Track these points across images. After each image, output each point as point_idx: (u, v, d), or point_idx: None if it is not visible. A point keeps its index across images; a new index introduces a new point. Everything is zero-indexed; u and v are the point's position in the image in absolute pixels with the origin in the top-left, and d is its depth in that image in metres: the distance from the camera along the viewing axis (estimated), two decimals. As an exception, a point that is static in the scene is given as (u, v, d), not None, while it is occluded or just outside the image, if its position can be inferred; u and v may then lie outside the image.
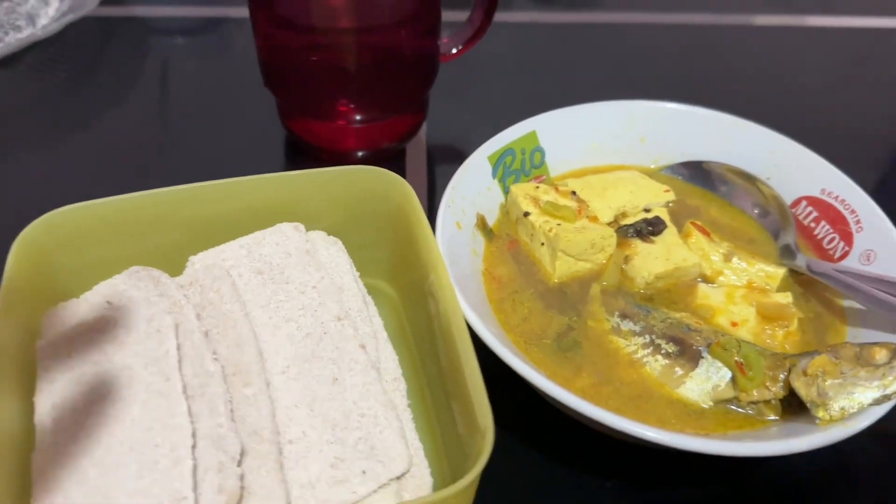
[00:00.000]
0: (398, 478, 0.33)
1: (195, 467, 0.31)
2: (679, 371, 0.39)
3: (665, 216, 0.46)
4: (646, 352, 0.40)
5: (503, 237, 0.47)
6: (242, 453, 0.32)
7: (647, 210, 0.47)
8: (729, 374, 0.38)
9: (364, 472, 0.33)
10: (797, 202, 0.47)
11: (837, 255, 0.45)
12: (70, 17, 0.63)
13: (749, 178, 0.48)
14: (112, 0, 0.69)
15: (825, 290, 0.43)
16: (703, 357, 0.39)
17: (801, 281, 0.44)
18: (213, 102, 0.64)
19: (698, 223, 0.46)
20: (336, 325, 0.38)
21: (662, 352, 0.40)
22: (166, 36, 0.73)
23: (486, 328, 0.37)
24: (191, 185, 0.41)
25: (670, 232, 0.45)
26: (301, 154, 0.59)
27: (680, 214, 0.48)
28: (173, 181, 0.41)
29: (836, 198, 0.45)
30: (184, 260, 0.41)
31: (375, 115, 0.56)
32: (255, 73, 0.56)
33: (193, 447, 0.32)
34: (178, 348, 0.35)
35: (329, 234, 0.44)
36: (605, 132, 0.50)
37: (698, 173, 0.50)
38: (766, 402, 0.38)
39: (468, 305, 0.38)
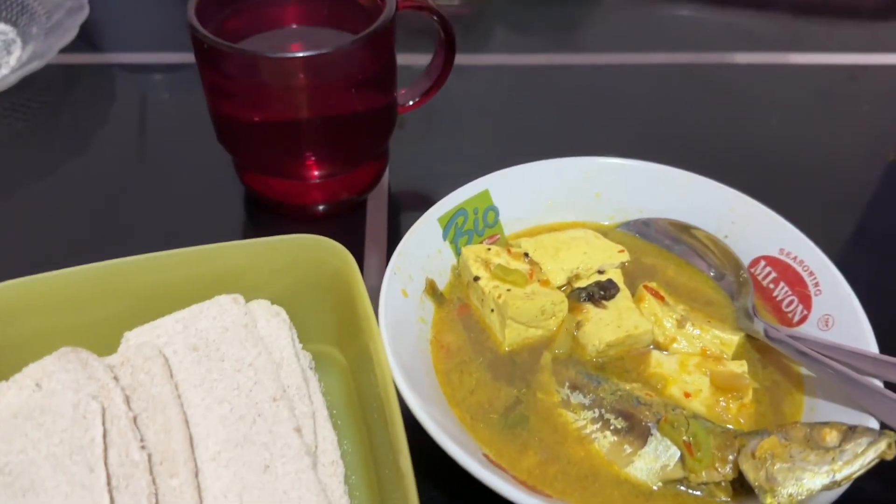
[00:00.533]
0: None
1: None
2: (628, 449, 0.38)
3: (619, 278, 0.45)
4: (594, 427, 0.39)
5: (454, 301, 0.45)
6: None
7: (600, 272, 0.46)
8: (678, 454, 0.37)
9: None
10: (756, 261, 0.46)
11: (796, 318, 0.43)
12: (31, 67, 0.62)
13: (705, 237, 0.47)
14: (72, 48, 0.67)
15: (783, 356, 0.42)
16: (651, 434, 0.38)
17: (758, 346, 0.43)
18: (172, 154, 0.63)
19: (652, 286, 0.45)
20: (271, 406, 0.37)
21: (611, 427, 0.39)
22: (128, 84, 0.72)
23: (421, 408, 0.35)
24: (129, 258, 0.40)
25: (623, 296, 0.44)
26: (261, 208, 0.58)
27: (635, 275, 0.46)
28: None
29: (795, 258, 0.44)
30: (120, 334, 0.40)
31: (334, 170, 0.55)
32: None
33: None
34: (105, 435, 0.35)
35: (273, 303, 0.42)
36: (559, 189, 0.49)
37: (654, 231, 0.48)
38: (716, 483, 0.37)
39: (404, 380, 0.36)
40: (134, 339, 0.40)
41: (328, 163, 0.54)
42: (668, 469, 0.37)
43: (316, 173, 0.54)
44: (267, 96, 0.50)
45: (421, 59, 0.60)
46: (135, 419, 0.36)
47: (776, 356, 0.42)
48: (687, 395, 0.40)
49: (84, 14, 0.68)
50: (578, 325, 0.43)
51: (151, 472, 0.34)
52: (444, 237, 0.46)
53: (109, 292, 0.41)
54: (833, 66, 0.75)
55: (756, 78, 0.74)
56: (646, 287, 0.44)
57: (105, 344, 0.40)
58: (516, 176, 0.48)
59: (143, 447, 0.35)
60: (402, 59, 0.54)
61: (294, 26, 0.56)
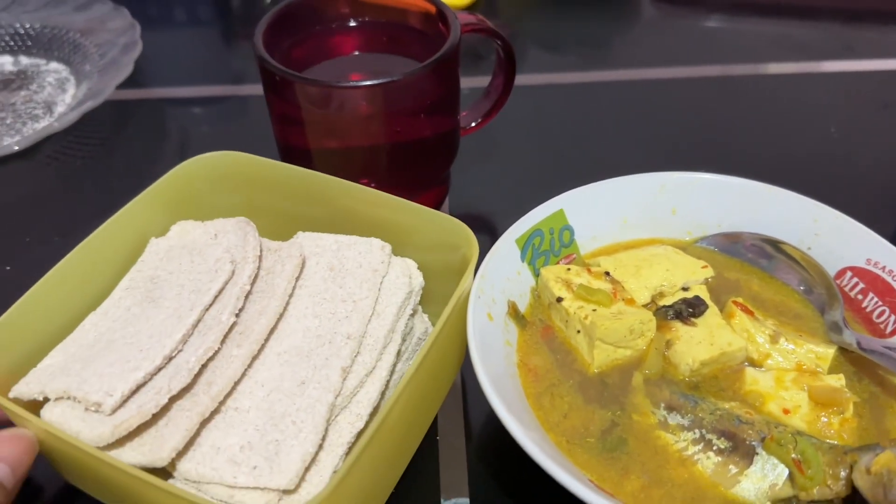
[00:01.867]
0: (285, 491, 0.35)
1: (143, 380, 0.36)
2: (733, 469, 0.37)
3: (705, 294, 0.45)
4: (696, 448, 0.38)
5: (536, 323, 0.45)
6: (183, 393, 0.37)
7: (685, 289, 0.45)
8: (786, 472, 0.36)
9: (255, 467, 0.35)
10: (841, 273, 0.45)
11: (889, 329, 0.42)
12: (88, 106, 0.62)
13: (789, 250, 0.46)
14: (129, 84, 0.68)
15: (879, 368, 0.41)
16: (757, 453, 0.37)
17: (852, 359, 0.42)
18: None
19: (740, 301, 0.44)
20: (342, 340, 0.40)
21: (714, 448, 0.38)
22: (183, 117, 0.73)
23: (526, 435, 0.35)
24: (342, 180, 0.46)
25: (712, 312, 0.43)
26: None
27: (720, 291, 0.46)
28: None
29: (883, 268, 0.43)
30: (299, 229, 0.47)
31: (401, 195, 0.55)
32: (273, 151, 0.55)
33: (158, 367, 0.37)
34: (219, 292, 0.41)
35: (419, 268, 0.46)
36: (634, 206, 0.49)
37: (735, 245, 0.48)
38: (828, 501, 0.36)
39: (503, 406, 0.36)
40: (302, 238, 0.46)
41: (395, 189, 0.54)
42: (777, 488, 0.36)
43: (381, 199, 0.54)
44: (335, 124, 0.50)
45: (468, 82, 0.61)
46: (249, 293, 0.41)
47: (871, 368, 0.41)
48: (786, 411, 0.39)
49: (138, 50, 0.69)
50: (668, 345, 0.42)
51: (226, 336, 0.39)
52: (522, 259, 0.46)
53: (308, 195, 0.47)
54: (888, 72, 0.74)
55: (808, 88, 0.73)
56: (735, 303, 0.44)
57: (287, 231, 0.47)
58: (590, 194, 0.48)
59: (236, 315, 0.40)
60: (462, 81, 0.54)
61: (356, 53, 0.56)
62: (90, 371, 0.37)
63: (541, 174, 0.64)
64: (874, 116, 0.68)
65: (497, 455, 0.45)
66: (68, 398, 0.37)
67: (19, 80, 0.73)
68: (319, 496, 0.32)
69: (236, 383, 0.39)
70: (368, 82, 0.47)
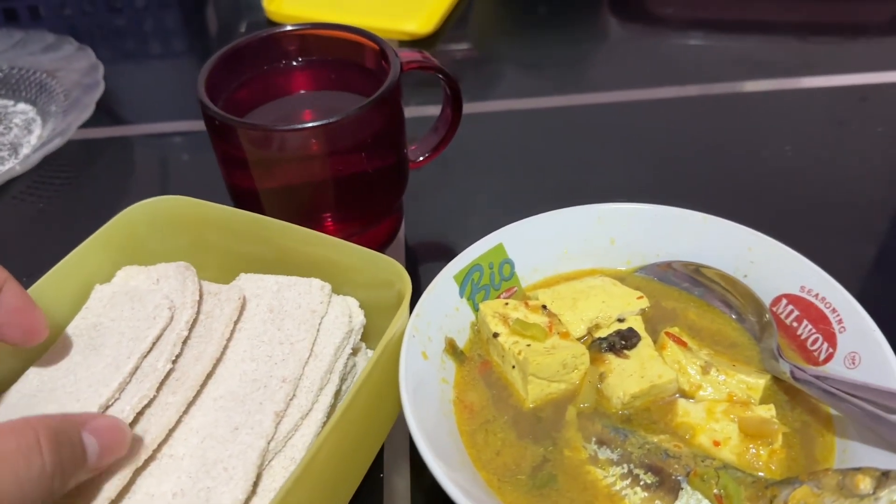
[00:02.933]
0: None
1: None
2: None
3: (639, 325, 0.45)
4: (624, 483, 0.39)
5: (475, 359, 0.45)
6: None
7: (620, 320, 0.45)
8: (710, 507, 0.37)
9: None
10: (777, 300, 0.45)
11: (822, 357, 0.43)
12: (50, 147, 0.63)
13: (723, 279, 0.47)
14: (90, 123, 0.69)
15: (811, 397, 0.41)
16: (682, 488, 0.37)
17: (786, 387, 0.42)
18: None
19: (674, 332, 0.44)
20: (277, 384, 0.41)
21: (641, 483, 0.38)
22: (149, 154, 0.74)
23: (447, 475, 0.35)
24: (282, 222, 0.47)
25: (645, 344, 0.44)
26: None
27: (656, 320, 0.46)
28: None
29: (817, 296, 0.44)
30: (242, 270, 0.48)
31: (351, 230, 0.55)
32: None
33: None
34: (157, 338, 0.41)
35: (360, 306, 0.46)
36: (573, 237, 0.49)
37: (672, 274, 0.48)
38: (751, 535, 0.36)
39: (428, 447, 0.37)
40: (244, 280, 0.47)
41: (344, 224, 0.55)
42: (701, 523, 0.37)
43: (332, 233, 0.55)
44: (280, 165, 0.51)
45: (429, 110, 0.61)
46: (187, 338, 0.42)
47: (804, 397, 0.42)
48: (716, 443, 0.40)
49: (100, 91, 0.70)
50: (602, 377, 0.43)
51: (162, 382, 0.40)
52: (461, 294, 0.47)
53: (251, 237, 0.48)
54: (843, 88, 0.74)
55: (766, 105, 0.74)
56: (667, 334, 0.44)
57: (232, 272, 0.47)
58: (529, 227, 0.48)
59: (172, 361, 0.40)
60: (410, 111, 0.55)
61: (302, 92, 0.57)
62: None
63: (495, 202, 0.64)
64: (828, 134, 0.69)
65: (442, 493, 0.45)
66: None
67: (-13, 121, 0.75)
68: None
69: (171, 430, 0.39)
70: (307, 125, 0.48)
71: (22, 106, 0.76)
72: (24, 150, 0.70)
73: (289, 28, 0.55)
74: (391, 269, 0.44)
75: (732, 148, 0.68)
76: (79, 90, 0.71)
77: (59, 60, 0.76)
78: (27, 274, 0.59)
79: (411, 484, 0.45)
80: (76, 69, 0.74)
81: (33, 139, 0.72)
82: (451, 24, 0.89)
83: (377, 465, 0.46)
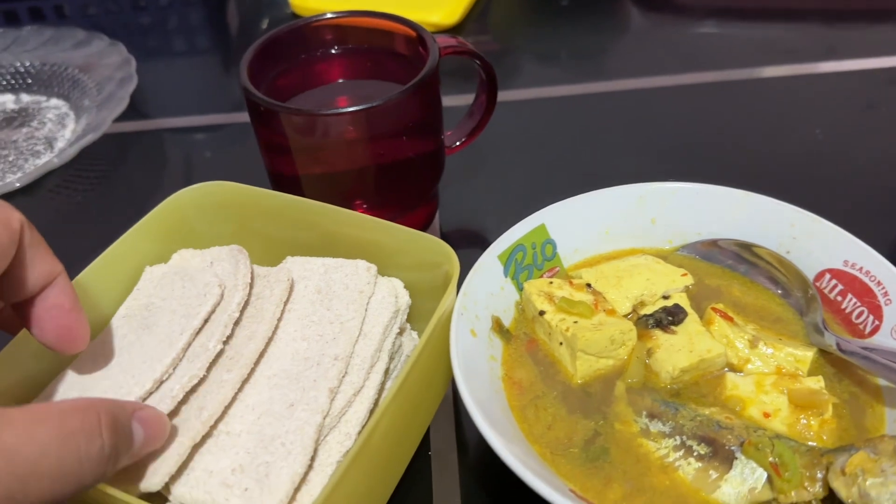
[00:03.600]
0: None
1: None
2: (713, 474, 0.38)
3: (685, 302, 0.45)
4: (677, 455, 0.39)
5: (521, 337, 0.46)
6: (174, 418, 0.38)
7: (665, 297, 0.46)
8: (765, 475, 0.37)
9: (246, 489, 0.36)
10: (820, 275, 0.46)
11: (868, 329, 0.43)
12: (86, 140, 0.64)
13: (768, 255, 0.47)
14: (127, 116, 0.70)
15: (858, 368, 0.42)
16: (736, 458, 0.38)
17: (832, 360, 0.43)
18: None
19: (720, 308, 0.45)
20: (330, 362, 0.41)
21: (695, 454, 0.39)
22: (181, 146, 0.75)
23: (505, 446, 0.36)
24: (328, 205, 0.47)
25: (692, 320, 0.44)
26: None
27: (700, 298, 0.46)
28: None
29: (861, 269, 0.44)
30: (288, 254, 0.48)
31: (389, 216, 0.56)
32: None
33: (150, 392, 0.38)
34: (207, 317, 0.42)
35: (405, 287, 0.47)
36: (614, 217, 0.50)
37: (715, 252, 0.49)
38: (806, 502, 0.36)
39: (485, 420, 0.37)
40: (290, 263, 0.47)
41: (382, 209, 0.55)
42: (757, 492, 0.37)
43: (370, 219, 0.55)
44: (319, 151, 0.52)
45: (458, 100, 0.61)
46: (238, 320, 0.42)
47: (852, 369, 0.42)
48: (766, 415, 0.40)
49: (133, 84, 0.71)
50: (649, 353, 0.43)
51: (214, 362, 0.40)
52: (506, 274, 0.47)
53: (296, 221, 0.49)
54: (871, 72, 0.74)
55: (794, 90, 0.74)
56: (714, 309, 0.44)
57: (278, 256, 0.48)
58: (571, 207, 0.49)
59: (223, 343, 0.41)
60: (445, 100, 0.56)
61: (340, 81, 0.57)
62: None
63: (529, 187, 0.65)
64: (858, 117, 0.69)
65: (489, 469, 0.46)
66: None
67: (21, 117, 0.76)
68: None
69: (227, 407, 0.40)
70: (350, 109, 0.49)
71: (55, 101, 0.77)
72: (59, 144, 0.71)
73: (328, 16, 0.55)
74: (439, 250, 0.44)
75: (762, 132, 0.68)
76: (112, 84, 0.72)
77: (90, 56, 0.77)
78: (66, 265, 0.60)
79: (459, 461, 0.46)
80: (108, 64, 0.75)
81: (67, 133, 0.73)
82: (475, 16, 0.89)
83: (425, 443, 0.46)
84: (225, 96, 0.83)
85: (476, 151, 0.64)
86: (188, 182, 0.70)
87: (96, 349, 0.44)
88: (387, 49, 0.57)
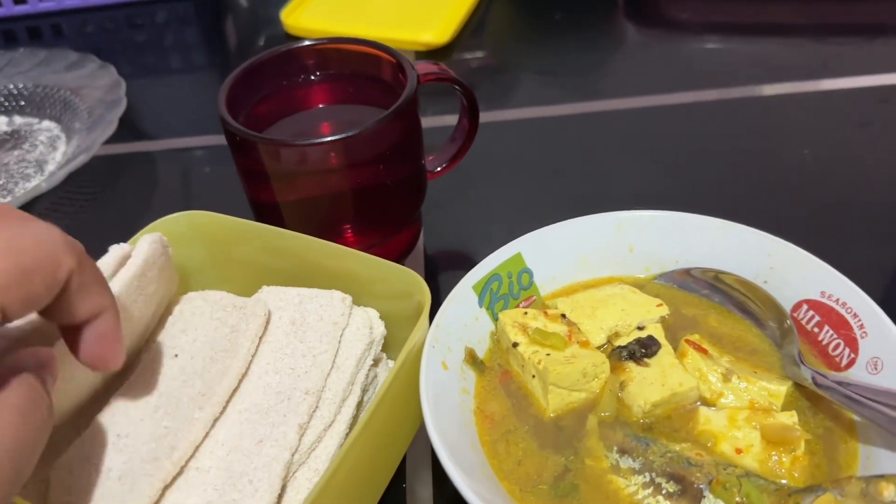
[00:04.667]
0: None
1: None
2: (681, 512, 0.38)
3: (659, 333, 0.45)
4: (646, 492, 0.39)
5: (495, 368, 0.46)
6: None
7: (640, 328, 0.45)
8: (733, 515, 0.36)
9: None
10: (798, 306, 0.45)
11: (844, 362, 0.43)
12: (75, 164, 0.64)
13: (743, 285, 0.46)
14: (117, 138, 0.70)
15: (833, 403, 0.41)
16: (704, 496, 0.37)
17: (807, 394, 0.42)
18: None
19: (694, 340, 0.44)
20: (301, 396, 0.41)
21: (663, 492, 0.38)
22: (172, 168, 0.75)
23: (468, 485, 0.36)
24: (303, 235, 0.47)
25: (665, 352, 0.44)
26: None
27: (676, 328, 0.46)
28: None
29: (837, 301, 0.43)
30: (264, 283, 0.48)
31: (370, 241, 0.56)
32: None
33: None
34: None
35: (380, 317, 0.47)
36: (592, 245, 0.49)
37: (692, 281, 0.48)
38: (775, 543, 0.36)
39: (449, 457, 0.37)
40: (266, 293, 0.47)
41: (364, 235, 0.55)
42: (724, 532, 0.37)
43: (353, 244, 0.55)
44: (300, 179, 0.52)
45: (441, 121, 0.61)
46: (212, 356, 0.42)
47: (827, 403, 0.41)
48: (738, 451, 0.40)
49: (122, 107, 0.71)
50: (622, 386, 0.43)
51: (185, 396, 0.40)
52: (481, 304, 0.47)
53: (271, 250, 0.49)
54: (863, 90, 0.74)
55: (785, 109, 0.73)
56: (688, 341, 0.44)
57: (253, 285, 0.48)
58: (547, 236, 0.49)
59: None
60: (427, 121, 0.55)
61: (321, 106, 0.58)
62: None
63: (515, 211, 0.64)
64: (849, 136, 0.68)
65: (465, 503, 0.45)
66: None
67: (13, 139, 0.76)
68: None
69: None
70: (327, 139, 0.49)
71: (47, 123, 0.78)
72: (50, 167, 0.72)
73: (307, 43, 0.55)
74: (410, 281, 0.44)
75: (750, 152, 0.68)
76: (102, 107, 0.72)
77: (82, 78, 0.78)
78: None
79: (434, 494, 0.46)
80: (99, 86, 0.76)
81: (58, 156, 0.73)
82: (468, 34, 0.89)
83: (399, 476, 0.46)
84: (211, 117, 0.83)
85: (463, 173, 0.64)
86: (179, 205, 0.70)
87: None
88: (368, 75, 0.57)
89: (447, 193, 0.65)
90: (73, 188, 0.70)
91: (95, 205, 0.70)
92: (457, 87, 0.55)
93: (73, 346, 0.35)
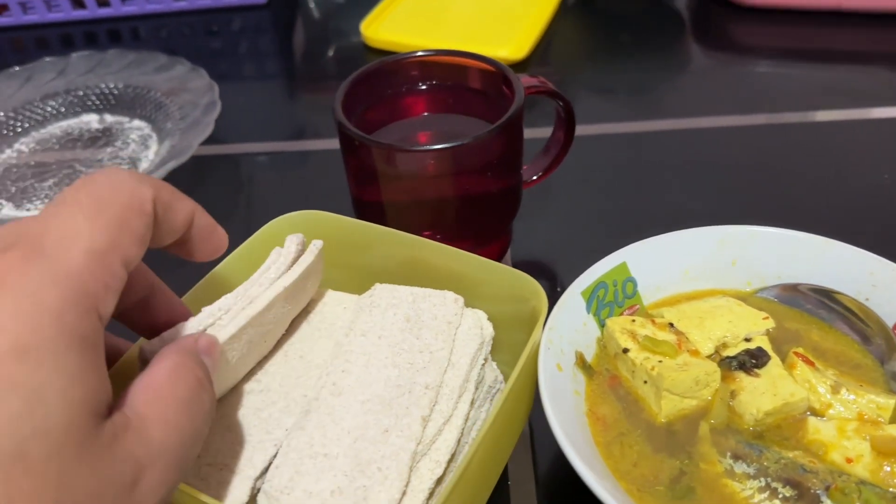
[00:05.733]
0: None
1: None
2: (798, 517, 0.39)
3: (766, 345, 0.46)
4: (762, 496, 0.40)
5: (603, 373, 0.47)
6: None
7: (747, 339, 0.47)
8: (852, 521, 0.38)
9: None
10: (900, 324, 0.47)
11: (950, 379, 0.44)
12: (173, 164, 0.67)
13: (846, 301, 0.48)
14: (207, 141, 0.73)
15: (941, 419, 0.42)
16: (821, 502, 0.39)
17: (915, 409, 0.43)
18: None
19: (801, 352, 0.45)
20: (421, 390, 0.43)
21: (780, 496, 0.40)
22: (255, 171, 0.77)
23: (599, 483, 0.37)
24: (415, 236, 0.49)
25: (774, 363, 0.45)
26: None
27: (780, 341, 0.47)
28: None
29: (942, 320, 0.45)
30: (375, 281, 0.50)
31: (464, 247, 0.57)
32: (344, 205, 0.58)
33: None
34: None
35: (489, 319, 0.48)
36: (695, 258, 0.51)
37: (794, 296, 0.49)
38: (895, 550, 0.37)
39: (576, 454, 0.38)
40: (379, 290, 0.49)
41: (457, 242, 0.56)
42: (844, 537, 0.38)
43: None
44: (407, 183, 0.54)
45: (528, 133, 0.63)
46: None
47: (934, 419, 0.43)
48: (849, 460, 0.41)
49: (217, 110, 0.73)
50: (733, 395, 0.44)
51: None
52: (588, 310, 0.48)
53: (383, 250, 0.51)
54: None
55: (860, 134, 0.75)
56: (796, 353, 0.45)
57: (363, 284, 0.50)
58: (652, 247, 0.50)
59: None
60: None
61: (425, 114, 0.60)
62: None
63: (598, 224, 0.66)
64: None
65: (569, 500, 0.47)
66: None
67: (105, 137, 0.79)
68: None
69: (325, 429, 0.42)
70: (439, 146, 0.50)
71: (137, 122, 0.80)
72: (143, 165, 0.74)
73: (419, 54, 0.57)
74: (526, 286, 0.46)
75: (828, 175, 0.69)
76: (197, 109, 0.74)
77: (172, 80, 0.80)
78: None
79: (536, 492, 0.47)
80: (191, 89, 0.78)
81: (150, 154, 0.76)
82: (539, 51, 0.91)
83: (503, 474, 0.48)
84: (290, 122, 0.85)
85: (545, 186, 0.66)
86: (259, 206, 0.72)
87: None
88: (469, 86, 0.59)
89: (530, 207, 0.66)
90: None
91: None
92: (559, 102, 0.57)
93: (189, 253, 0.37)
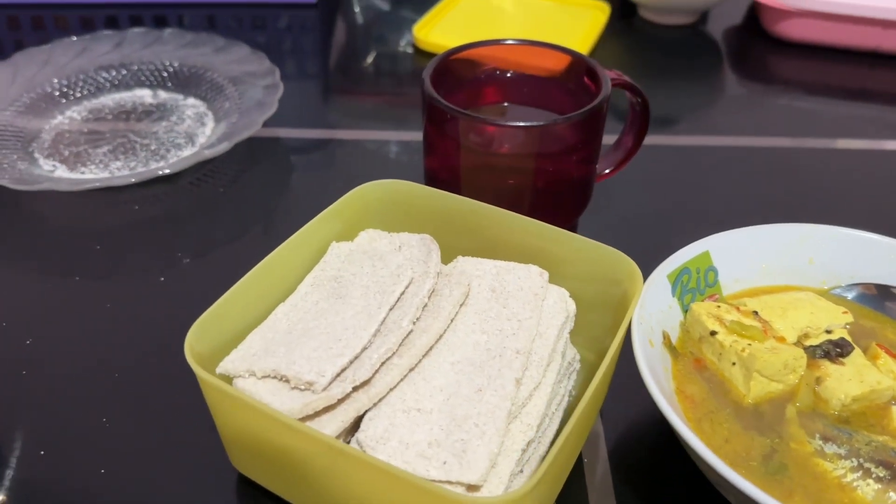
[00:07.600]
0: (468, 486, 0.37)
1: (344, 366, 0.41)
2: (893, 496, 0.39)
3: (846, 338, 0.47)
4: (855, 475, 0.40)
5: (687, 356, 0.48)
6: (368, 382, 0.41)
7: (828, 331, 0.48)
8: (949, 502, 0.38)
9: (445, 462, 0.38)
10: (976, 326, 0.48)
11: None
12: (238, 138, 0.67)
13: (923, 303, 0.49)
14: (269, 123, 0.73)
15: None
16: (918, 483, 0.39)
17: None
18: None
19: (884, 345, 0.47)
20: (512, 355, 0.43)
21: (873, 476, 0.40)
22: (301, 156, 0.77)
23: (698, 441, 0.38)
24: (499, 209, 0.50)
25: (857, 354, 0.46)
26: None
27: (858, 335, 0.48)
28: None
29: None
30: (457, 253, 0.51)
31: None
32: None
33: (356, 356, 0.41)
34: (401, 296, 0.45)
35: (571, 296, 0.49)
36: (774, 253, 0.52)
37: (869, 296, 0.51)
38: None
39: (678, 419, 0.39)
40: (462, 262, 0.50)
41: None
42: (941, 517, 0.38)
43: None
44: (490, 160, 0.55)
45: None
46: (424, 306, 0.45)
47: None
48: (936, 449, 0.42)
49: (280, 91, 0.74)
50: (818, 381, 0.45)
51: (403, 343, 0.43)
52: (673, 293, 0.49)
53: (465, 223, 0.52)
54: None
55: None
56: (879, 345, 0.46)
57: (444, 257, 0.50)
58: (735, 239, 0.51)
59: (413, 323, 0.44)
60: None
61: (505, 104, 0.61)
62: (296, 354, 0.41)
63: (652, 224, 0.67)
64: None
65: (642, 477, 0.47)
66: (275, 377, 0.41)
67: (159, 111, 0.79)
68: (522, 490, 0.35)
69: (416, 386, 0.42)
70: (529, 123, 0.52)
71: (192, 101, 0.80)
72: (200, 140, 0.74)
73: (509, 42, 0.59)
74: (620, 266, 0.46)
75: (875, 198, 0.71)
76: (258, 91, 0.75)
77: (231, 62, 0.81)
78: (205, 247, 0.63)
79: (611, 469, 0.47)
80: (251, 72, 0.78)
81: (207, 131, 0.76)
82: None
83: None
84: (323, 116, 0.85)
85: (604, 185, 0.67)
86: (308, 190, 0.72)
87: (289, 312, 0.46)
88: (549, 77, 0.60)
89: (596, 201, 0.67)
90: (218, 164, 0.72)
91: (240, 181, 0.72)
92: (636, 96, 0.59)
93: None
